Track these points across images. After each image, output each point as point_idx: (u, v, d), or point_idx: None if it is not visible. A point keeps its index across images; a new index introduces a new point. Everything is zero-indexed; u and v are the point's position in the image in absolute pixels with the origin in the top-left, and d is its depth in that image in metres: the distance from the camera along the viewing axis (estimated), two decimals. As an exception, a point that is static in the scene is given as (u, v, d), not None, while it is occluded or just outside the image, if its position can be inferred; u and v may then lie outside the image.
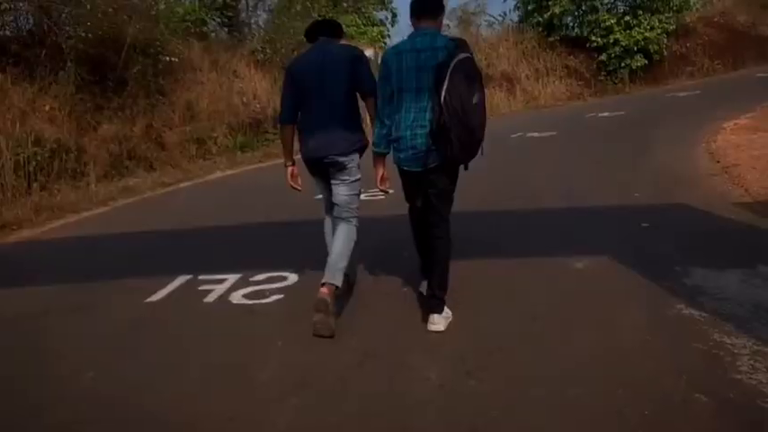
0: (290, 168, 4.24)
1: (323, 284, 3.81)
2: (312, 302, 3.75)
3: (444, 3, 3.99)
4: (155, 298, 4.60)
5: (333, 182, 4.10)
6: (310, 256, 4.89)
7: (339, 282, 3.86)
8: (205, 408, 3.05)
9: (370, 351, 3.49)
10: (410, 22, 3.78)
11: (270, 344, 3.68)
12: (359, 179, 4.10)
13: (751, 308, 3.62)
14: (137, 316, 4.35)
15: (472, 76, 3.49)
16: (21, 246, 6.96)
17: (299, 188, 4.29)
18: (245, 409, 2.99)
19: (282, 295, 4.46)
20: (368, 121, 4.07)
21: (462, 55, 3.47)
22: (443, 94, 3.40)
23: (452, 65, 3.41)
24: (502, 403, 2.87)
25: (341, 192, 4.08)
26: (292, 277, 4.79)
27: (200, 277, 4.96)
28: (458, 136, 3.42)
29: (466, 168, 3.69)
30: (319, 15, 15.03)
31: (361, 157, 4.10)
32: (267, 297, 4.45)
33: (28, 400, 3.23)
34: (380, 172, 3.94)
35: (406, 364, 3.32)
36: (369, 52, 4.18)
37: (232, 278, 4.85)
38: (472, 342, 3.50)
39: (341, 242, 3.99)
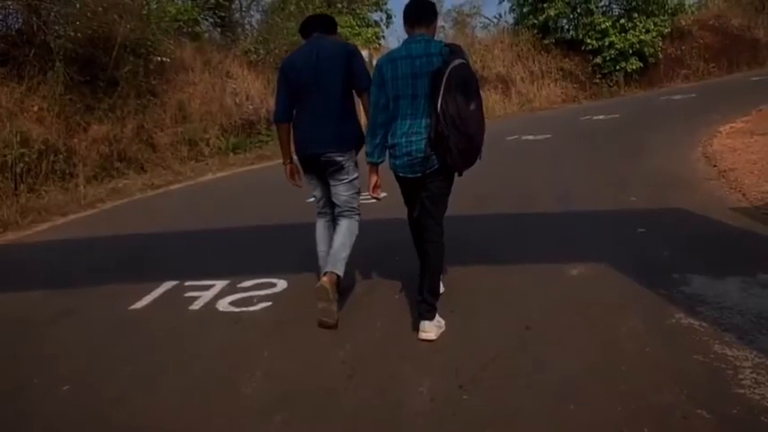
0: (288, 166, 4.23)
1: (324, 273, 3.85)
2: (313, 292, 3.84)
3: (438, 9, 3.91)
4: (139, 305, 4.48)
5: (332, 182, 4.08)
6: (301, 261, 4.82)
7: (340, 271, 3.88)
8: (186, 422, 2.93)
9: (360, 362, 3.37)
10: (404, 29, 3.71)
11: (256, 354, 3.55)
12: (357, 177, 4.08)
13: (752, 318, 3.51)
14: (119, 324, 4.22)
15: (468, 83, 3.43)
16: (4, 249, 6.82)
17: (299, 185, 4.27)
18: (228, 424, 2.87)
19: (270, 303, 4.34)
20: (363, 116, 4.00)
21: (457, 61, 3.41)
22: (440, 101, 3.35)
23: (448, 71, 3.36)
24: (495, 419, 2.76)
25: (340, 192, 4.07)
26: (281, 283, 4.66)
27: (187, 283, 4.83)
28: (456, 144, 3.38)
29: (460, 175, 3.64)
30: (313, 16, 14.91)
31: (357, 153, 4.04)
32: (255, 304, 4.32)
33: (5, 409, 3.14)
34: (373, 180, 3.88)
35: (397, 375, 3.20)
36: (364, 53, 4.09)
37: (219, 284, 4.73)
38: (465, 353, 3.37)
39: (343, 234, 4.02)
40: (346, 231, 4.04)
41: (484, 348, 3.40)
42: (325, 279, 3.82)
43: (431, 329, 3.55)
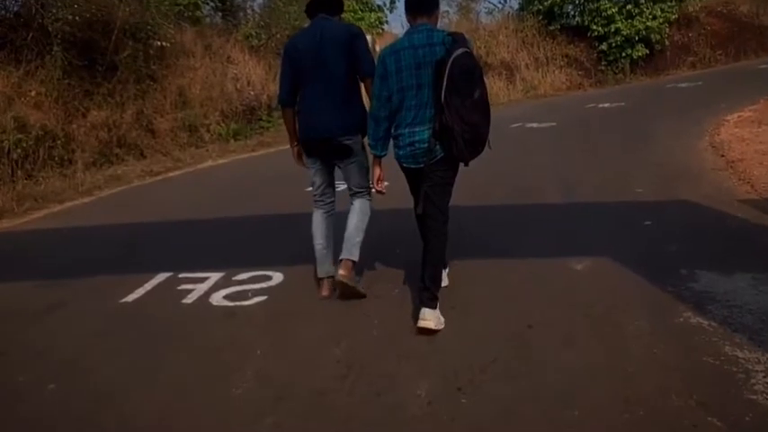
0: (295, 148, 4.19)
1: (340, 260, 3.91)
2: (336, 287, 3.98)
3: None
4: (131, 298, 4.35)
5: (341, 165, 4.07)
6: (298, 253, 4.68)
7: (356, 256, 3.94)
8: (174, 426, 2.81)
9: (355, 362, 3.24)
10: (406, 19, 3.68)
11: (248, 352, 3.43)
12: (366, 157, 4.04)
13: (763, 317, 3.38)
14: (110, 317, 4.10)
15: (471, 72, 3.38)
16: (-2, 237, 6.71)
17: (308, 166, 4.21)
18: (218, 428, 2.76)
19: (266, 297, 4.21)
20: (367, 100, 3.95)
21: (460, 50, 3.35)
22: (443, 91, 3.32)
23: (451, 61, 3.31)
24: (495, 424, 2.65)
25: (352, 173, 4.07)
26: (277, 276, 4.54)
27: (181, 275, 4.71)
28: (461, 134, 3.36)
29: (466, 165, 3.59)
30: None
31: (364, 137, 3.96)
32: (249, 298, 4.19)
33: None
34: (377, 173, 3.86)
35: (394, 376, 3.07)
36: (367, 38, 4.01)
37: (214, 277, 4.61)
38: (465, 353, 3.24)
39: (356, 217, 4.03)
40: (359, 214, 4.04)
41: (484, 348, 3.28)
42: (342, 273, 3.88)
43: (431, 318, 3.46)
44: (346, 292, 3.95)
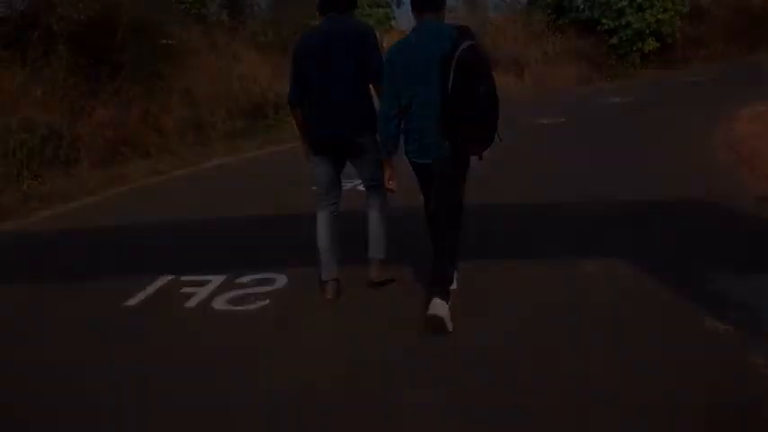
0: (306, 145, 4.15)
1: (370, 260, 4.06)
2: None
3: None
4: (132, 301, 4.26)
5: (355, 162, 4.06)
6: (301, 255, 4.58)
7: (384, 254, 4.04)
8: (172, 435, 2.73)
9: (360, 369, 3.14)
10: (412, 15, 3.67)
11: (250, 360, 3.32)
12: (379, 152, 3.94)
13: (784, 321, 3.26)
14: (110, 322, 4.01)
15: (477, 65, 3.36)
16: (1, 237, 6.64)
17: (315, 164, 4.15)
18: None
19: (268, 301, 4.12)
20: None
21: (466, 43, 3.34)
22: (450, 85, 3.30)
23: (457, 54, 3.30)
24: (506, 438, 2.54)
25: (364, 168, 4.05)
26: (281, 280, 4.44)
27: (184, 278, 4.62)
28: (468, 127, 3.35)
29: (480, 158, 3.56)
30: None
31: (374, 133, 3.89)
32: (252, 303, 4.10)
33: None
34: (387, 172, 3.81)
35: (400, 389, 2.94)
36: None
37: (217, 280, 4.51)
38: (473, 359, 3.13)
39: (376, 214, 4.05)
40: (379, 211, 4.05)
41: (493, 355, 3.17)
42: (374, 274, 4.03)
43: (441, 309, 3.37)
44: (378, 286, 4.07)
